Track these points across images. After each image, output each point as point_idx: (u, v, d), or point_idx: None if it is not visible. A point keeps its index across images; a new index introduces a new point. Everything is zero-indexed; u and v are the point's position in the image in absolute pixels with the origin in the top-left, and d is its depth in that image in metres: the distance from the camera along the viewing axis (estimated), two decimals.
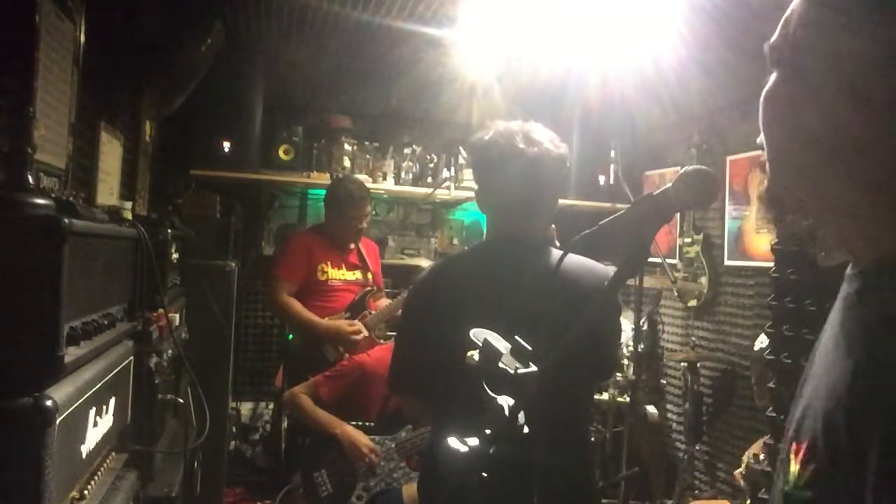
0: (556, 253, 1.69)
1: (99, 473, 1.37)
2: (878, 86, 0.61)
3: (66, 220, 1.09)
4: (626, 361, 3.91)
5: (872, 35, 0.61)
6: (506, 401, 0.89)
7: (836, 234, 0.70)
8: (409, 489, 2.66)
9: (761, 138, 0.73)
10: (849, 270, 0.70)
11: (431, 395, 1.72)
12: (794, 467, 0.66)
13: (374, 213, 4.30)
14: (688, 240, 4.17)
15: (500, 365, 0.93)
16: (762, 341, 3.50)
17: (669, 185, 0.94)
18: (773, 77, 0.71)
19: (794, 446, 0.68)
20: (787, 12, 0.69)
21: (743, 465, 3.09)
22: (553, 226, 1.80)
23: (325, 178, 4.29)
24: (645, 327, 3.96)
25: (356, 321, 3.57)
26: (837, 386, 0.62)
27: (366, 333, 3.54)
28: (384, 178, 4.50)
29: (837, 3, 0.64)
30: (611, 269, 1.69)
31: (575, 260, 1.64)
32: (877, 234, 0.65)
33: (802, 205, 0.72)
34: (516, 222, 1.69)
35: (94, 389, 1.26)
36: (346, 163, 4.46)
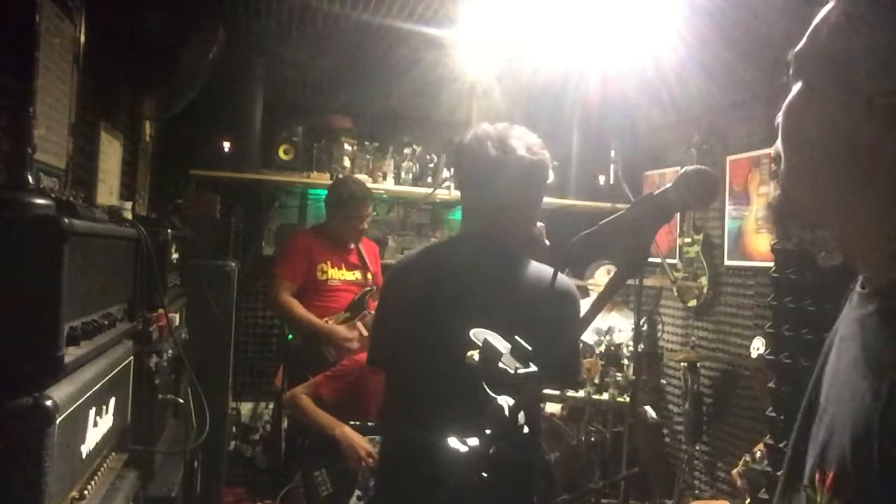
0: (520, 257, 1.74)
1: (99, 473, 1.37)
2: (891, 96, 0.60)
3: (66, 220, 1.09)
4: (626, 361, 3.91)
5: (890, 45, 0.60)
6: (506, 401, 0.89)
7: (846, 248, 0.69)
8: None
9: (777, 147, 0.71)
10: (859, 289, 0.68)
11: (399, 379, 1.78)
12: (823, 497, 0.65)
13: (374, 213, 4.30)
14: (688, 240, 4.17)
15: (501, 365, 0.93)
16: (757, 347, 3.51)
17: (669, 185, 0.94)
18: (795, 87, 0.69)
19: (818, 475, 0.66)
20: (817, 20, 0.67)
21: (740, 465, 3.10)
22: (541, 224, 1.82)
23: (325, 178, 4.30)
24: (645, 327, 3.96)
25: (356, 322, 3.57)
26: (868, 413, 0.59)
27: (365, 333, 3.54)
28: (384, 178, 4.50)
29: (863, 12, 0.63)
30: (569, 279, 1.83)
31: (536, 266, 1.71)
32: (890, 252, 0.63)
33: (814, 217, 0.70)
34: (486, 222, 1.74)
35: (94, 389, 1.26)
36: (346, 163, 4.46)
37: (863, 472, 0.59)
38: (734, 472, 3.15)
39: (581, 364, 2.36)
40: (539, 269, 1.71)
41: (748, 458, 3.08)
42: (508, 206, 1.72)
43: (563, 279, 1.76)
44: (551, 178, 1.95)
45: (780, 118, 0.70)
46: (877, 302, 0.64)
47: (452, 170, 1.88)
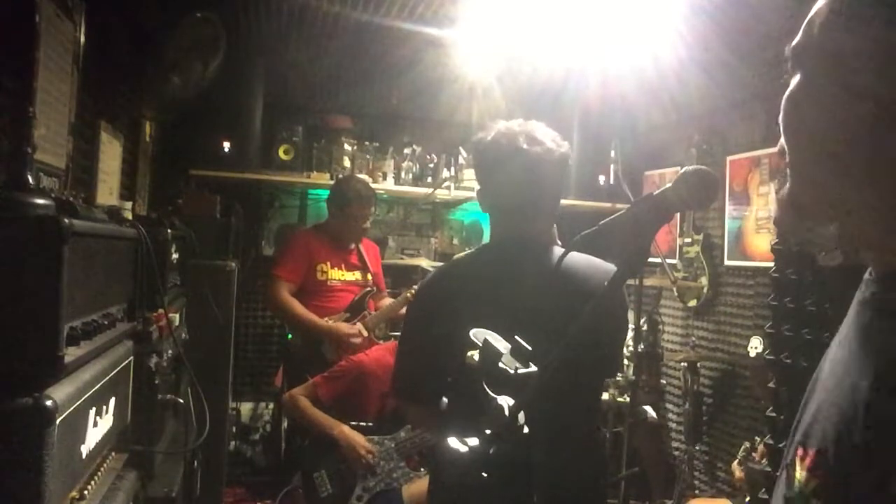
0: (560, 252, 1.68)
1: (99, 473, 1.37)
2: (884, 90, 0.60)
3: (66, 220, 1.09)
4: (626, 361, 3.91)
5: (879, 38, 0.60)
6: (506, 401, 0.89)
7: (850, 239, 0.69)
8: (409, 489, 2.66)
9: (782, 141, 0.72)
10: (867, 275, 0.69)
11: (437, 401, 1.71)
12: (800, 473, 0.65)
13: (374, 212, 4.31)
14: (688, 240, 4.17)
15: (500, 365, 0.93)
16: (755, 346, 3.52)
17: (669, 185, 0.94)
18: (795, 80, 0.69)
19: (800, 451, 0.66)
20: (811, 14, 0.68)
21: (740, 452, 3.11)
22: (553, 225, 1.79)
23: (325, 178, 4.30)
24: (645, 327, 3.96)
25: (356, 322, 3.56)
26: (855, 396, 0.60)
27: (365, 334, 3.54)
28: (384, 178, 4.50)
29: (853, 7, 0.63)
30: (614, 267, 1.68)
31: (580, 258, 1.63)
32: (890, 238, 0.64)
33: (816, 211, 0.70)
34: (519, 222, 1.68)
35: (94, 389, 1.25)
36: (346, 163, 4.46)
37: (843, 452, 0.59)
38: (734, 463, 3.17)
39: (623, 356, 2.27)
40: (583, 263, 1.61)
41: (748, 445, 3.10)
42: (542, 202, 1.67)
43: (609, 270, 1.63)
44: None
45: (781, 111, 0.71)
46: (875, 288, 0.65)
47: (475, 171, 1.79)
